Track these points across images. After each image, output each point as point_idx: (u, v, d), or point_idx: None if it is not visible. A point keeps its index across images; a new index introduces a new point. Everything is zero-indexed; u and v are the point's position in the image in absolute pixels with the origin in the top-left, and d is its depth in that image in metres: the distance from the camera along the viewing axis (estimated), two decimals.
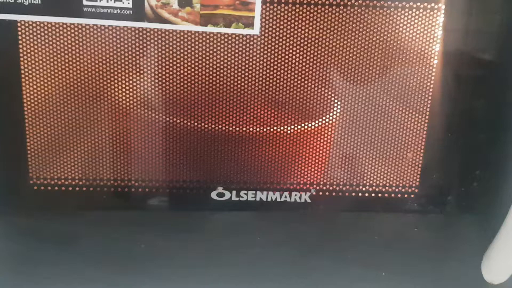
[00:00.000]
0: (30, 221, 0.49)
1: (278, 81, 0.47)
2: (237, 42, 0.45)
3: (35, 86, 0.46)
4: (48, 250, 0.47)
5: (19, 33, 0.44)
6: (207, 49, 0.46)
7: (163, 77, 0.46)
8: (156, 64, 0.46)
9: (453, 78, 0.48)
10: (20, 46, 0.44)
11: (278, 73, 0.47)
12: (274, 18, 0.45)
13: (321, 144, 0.49)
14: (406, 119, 0.49)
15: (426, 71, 0.48)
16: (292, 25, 0.45)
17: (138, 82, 0.46)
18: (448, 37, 0.47)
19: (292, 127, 0.49)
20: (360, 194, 0.51)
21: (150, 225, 0.49)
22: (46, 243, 0.47)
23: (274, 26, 0.45)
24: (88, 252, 0.47)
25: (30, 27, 0.44)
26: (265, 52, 0.46)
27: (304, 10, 0.45)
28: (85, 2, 0.43)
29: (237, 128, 0.48)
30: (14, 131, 0.47)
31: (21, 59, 0.45)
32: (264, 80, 0.47)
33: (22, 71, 0.45)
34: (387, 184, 0.51)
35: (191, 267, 0.46)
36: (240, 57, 0.46)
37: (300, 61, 0.46)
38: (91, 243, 0.48)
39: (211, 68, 0.46)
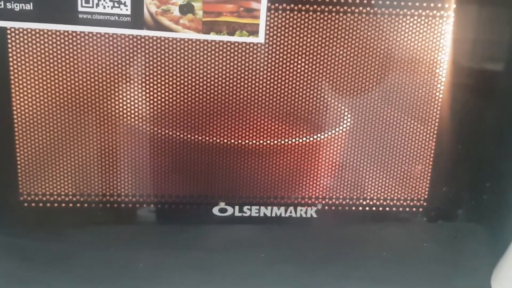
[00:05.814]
0: (20, 239, 0.47)
1: (283, 91, 0.46)
2: (241, 51, 0.44)
3: (25, 98, 0.44)
4: (40, 269, 0.46)
5: (9, 41, 0.42)
6: (210, 58, 0.44)
7: (162, 88, 0.45)
8: (154, 74, 0.44)
9: (462, 89, 0.48)
10: (10, 55, 0.43)
11: (284, 83, 0.45)
12: (280, 25, 0.44)
13: (328, 157, 0.48)
14: (415, 131, 0.48)
15: (435, 81, 0.47)
16: (298, 33, 0.44)
17: (135, 93, 0.45)
18: (457, 47, 0.46)
19: (297, 139, 0.47)
20: (367, 209, 0.50)
21: (149, 242, 0.48)
22: (37, 261, 0.46)
23: (279, 34, 0.44)
24: (82, 270, 0.46)
25: (21, 34, 0.42)
26: (270, 61, 0.45)
27: (310, 17, 0.44)
28: (80, 9, 0.41)
29: (240, 141, 0.47)
30: (3, 146, 0.45)
31: (11, 69, 0.43)
32: (269, 91, 0.46)
33: (12, 82, 0.43)
34: (395, 198, 0.50)
35: (192, 285, 0.46)
36: (244, 67, 0.45)
37: (307, 71, 0.45)
38: (85, 261, 0.47)
39: (213, 79, 0.45)
